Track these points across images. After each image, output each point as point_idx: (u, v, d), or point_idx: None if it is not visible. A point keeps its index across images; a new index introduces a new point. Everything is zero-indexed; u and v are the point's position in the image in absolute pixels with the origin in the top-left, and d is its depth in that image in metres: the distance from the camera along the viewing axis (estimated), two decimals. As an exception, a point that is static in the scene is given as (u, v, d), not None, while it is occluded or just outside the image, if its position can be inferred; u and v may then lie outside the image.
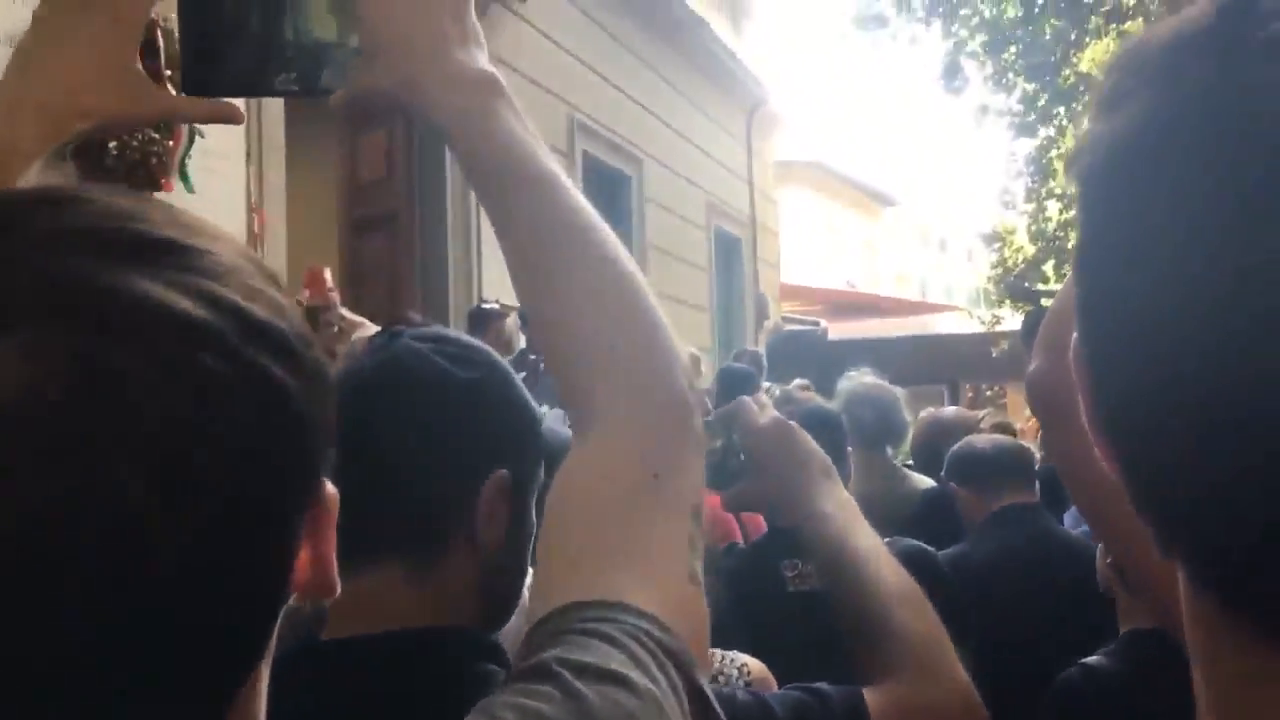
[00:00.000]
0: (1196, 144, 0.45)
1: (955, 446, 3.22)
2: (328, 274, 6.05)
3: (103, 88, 0.90)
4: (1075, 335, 0.52)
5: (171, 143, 4.58)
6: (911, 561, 2.15)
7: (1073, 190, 0.52)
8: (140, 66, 0.91)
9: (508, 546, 1.08)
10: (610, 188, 10.41)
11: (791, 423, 1.43)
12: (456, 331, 1.22)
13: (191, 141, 4.63)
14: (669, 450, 0.79)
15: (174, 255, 0.51)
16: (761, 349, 12.45)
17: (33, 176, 0.88)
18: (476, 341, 1.17)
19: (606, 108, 9.89)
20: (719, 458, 1.44)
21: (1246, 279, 0.42)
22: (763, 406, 1.45)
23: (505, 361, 1.17)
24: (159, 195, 4.66)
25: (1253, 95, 0.44)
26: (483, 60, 0.90)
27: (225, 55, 0.91)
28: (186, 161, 4.67)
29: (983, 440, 3.27)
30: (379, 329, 4.50)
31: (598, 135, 9.74)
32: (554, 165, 0.88)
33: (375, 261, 7.66)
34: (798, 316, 17.02)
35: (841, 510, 1.35)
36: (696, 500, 0.80)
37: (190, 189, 4.74)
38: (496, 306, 6.06)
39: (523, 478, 1.10)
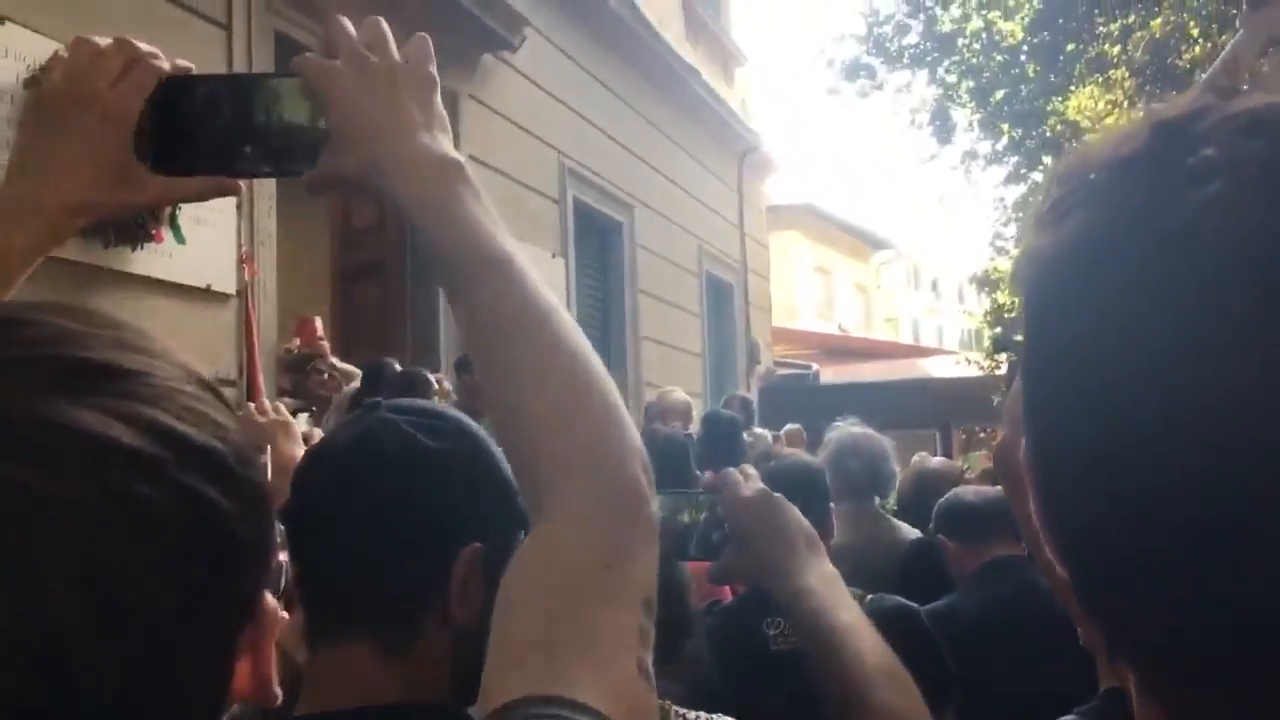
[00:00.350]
0: (1130, 264, 0.46)
1: (943, 499, 3.21)
2: (318, 322, 6.10)
3: (98, 182, 0.92)
4: (1024, 439, 0.53)
5: (162, 194, 4.61)
6: (895, 619, 2.16)
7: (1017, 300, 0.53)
8: (134, 152, 0.93)
9: (482, 620, 1.08)
10: (601, 234, 10.46)
11: (777, 495, 1.42)
12: (436, 404, 1.22)
13: (182, 193, 4.65)
14: (620, 540, 0.78)
15: (111, 380, 0.53)
16: (753, 393, 12.47)
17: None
18: (452, 412, 1.17)
19: (598, 154, 9.96)
20: (702, 529, 1.45)
21: (1176, 399, 0.43)
22: (748, 477, 1.45)
23: (481, 430, 1.17)
24: (151, 245, 4.69)
25: (1184, 219, 0.45)
26: (446, 145, 0.91)
27: (196, 136, 0.93)
28: (177, 212, 4.70)
29: (970, 492, 3.26)
30: (364, 374, 4.47)
31: (589, 182, 9.80)
32: (512, 250, 0.88)
33: (366, 309, 7.68)
34: (790, 361, 17.05)
35: (825, 585, 1.35)
36: (648, 591, 0.79)
37: (180, 239, 4.77)
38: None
39: (498, 549, 1.08)
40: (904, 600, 2.25)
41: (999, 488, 5.32)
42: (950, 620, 2.63)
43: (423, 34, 0.94)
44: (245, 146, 0.93)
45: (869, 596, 2.16)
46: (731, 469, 1.46)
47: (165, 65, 0.93)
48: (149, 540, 0.50)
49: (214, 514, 0.53)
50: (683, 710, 1.59)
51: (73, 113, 0.92)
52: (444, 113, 0.93)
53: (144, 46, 0.93)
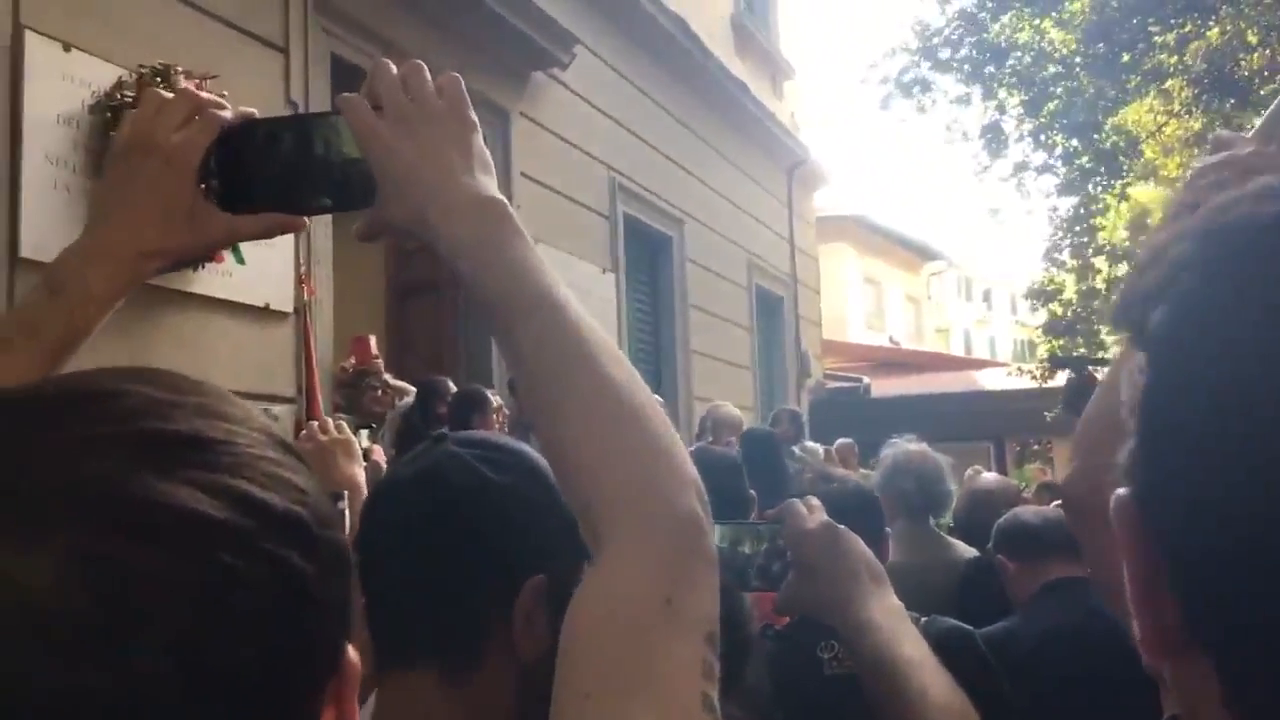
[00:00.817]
0: (1250, 327, 0.47)
1: (1002, 519, 3.18)
2: (373, 341, 6.16)
3: (166, 226, 0.97)
4: (1123, 490, 0.53)
5: (223, 215, 4.69)
6: (952, 643, 2.14)
7: (1125, 335, 0.54)
8: (202, 194, 0.97)
9: (547, 651, 1.09)
10: (652, 248, 10.48)
11: (841, 527, 1.41)
12: (499, 436, 1.24)
13: (242, 214, 4.73)
14: (681, 573, 0.79)
15: (197, 451, 0.56)
16: (804, 407, 12.41)
17: None
18: (517, 445, 1.19)
19: (647, 169, 9.99)
20: (763, 560, 1.45)
21: None
22: (812, 509, 1.45)
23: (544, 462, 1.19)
24: (211, 266, 4.77)
25: None
26: (490, 186, 0.92)
27: (259, 175, 0.96)
28: (237, 233, 4.77)
29: (1030, 512, 3.22)
30: (419, 391, 4.51)
31: (639, 197, 9.83)
32: (559, 289, 0.89)
33: (420, 326, 7.75)
34: (840, 374, 16.96)
35: (889, 618, 1.34)
36: (711, 625, 0.79)
37: (240, 260, 4.85)
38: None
39: (562, 580, 1.09)
40: (959, 623, 2.23)
41: (1057, 505, 5.25)
42: (1008, 644, 2.61)
43: (454, 74, 0.96)
44: (306, 183, 0.96)
45: (923, 619, 2.15)
46: (794, 500, 1.46)
47: (227, 113, 0.97)
48: (235, 607, 0.53)
49: (296, 579, 0.56)
50: (745, 737, 1.59)
51: (139, 161, 0.96)
52: (485, 152, 0.95)
53: (207, 96, 0.97)
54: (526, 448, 1.19)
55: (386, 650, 1.13)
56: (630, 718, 0.71)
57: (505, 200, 0.92)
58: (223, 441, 0.57)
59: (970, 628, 2.23)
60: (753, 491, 3.84)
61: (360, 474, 2.23)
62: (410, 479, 1.14)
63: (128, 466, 0.53)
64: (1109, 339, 14.40)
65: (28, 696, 0.48)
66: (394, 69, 0.94)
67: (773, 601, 1.50)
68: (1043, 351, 15.09)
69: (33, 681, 0.48)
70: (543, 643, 1.06)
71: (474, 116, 0.96)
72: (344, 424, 2.34)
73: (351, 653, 0.63)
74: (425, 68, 0.95)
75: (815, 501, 1.46)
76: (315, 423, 2.38)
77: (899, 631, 1.32)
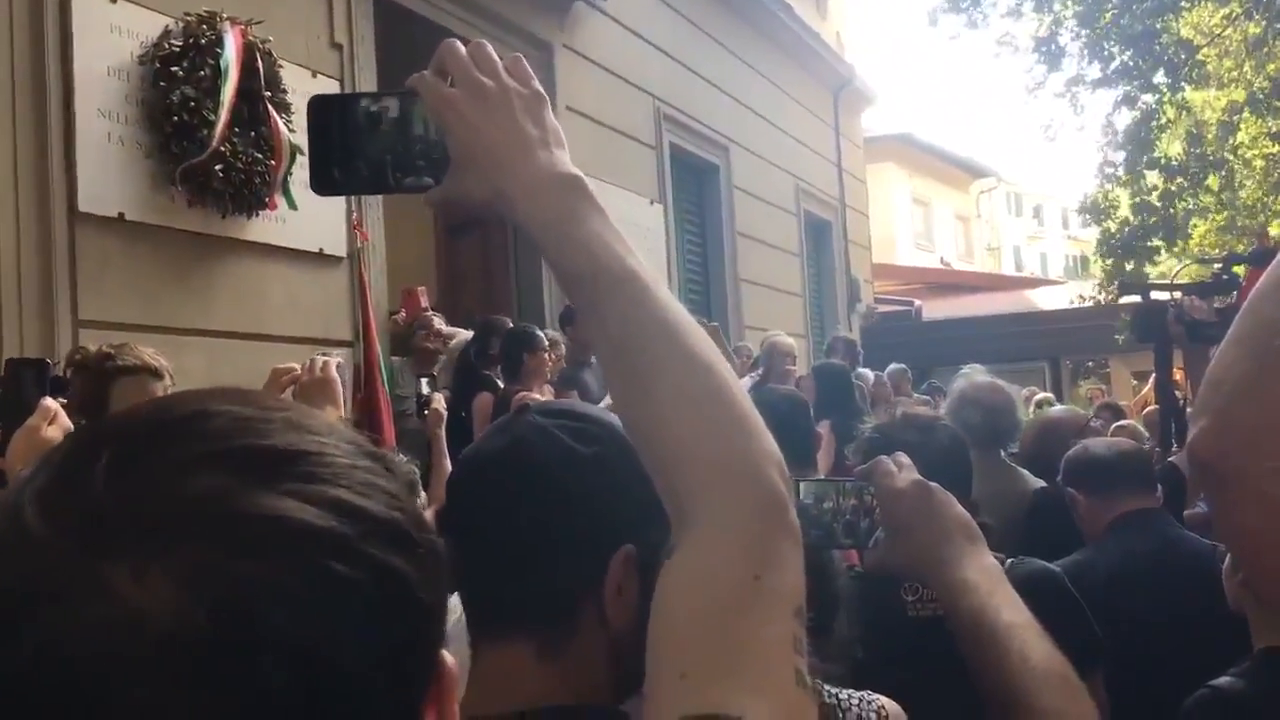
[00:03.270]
0: None
1: (1071, 451, 3.14)
2: (423, 293, 6.17)
3: None
4: None
5: (274, 162, 4.71)
6: (1040, 584, 2.13)
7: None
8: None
9: (638, 622, 1.09)
10: (698, 177, 10.39)
11: (933, 485, 1.38)
12: (583, 405, 1.23)
13: (293, 160, 4.74)
14: (768, 549, 0.80)
15: (295, 464, 0.57)
16: (855, 333, 12.33)
17: None
18: (602, 414, 1.18)
19: (692, 97, 9.86)
20: (851, 517, 1.42)
21: None
22: (901, 466, 1.42)
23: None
24: (264, 213, 4.79)
25: None
26: (565, 161, 0.92)
27: (356, 154, 0.94)
28: (289, 179, 4.79)
29: (1100, 444, 3.17)
30: (472, 334, 4.51)
31: (684, 125, 9.72)
32: (639, 263, 0.89)
33: (470, 264, 7.76)
34: (890, 297, 16.80)
35: (986, 578, 1.31)
36: (798, 600, 0.80)
37: (293, 205, 4.86)
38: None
39: (651, 550, 1.07)
40: (1047, 564, 2.21)
41: (1118, 426, 5.17)
42: (1084, 575, 2.59)
43: (518, 54, 0.96)
44: (404, 161, 0.94)
45: (1009, 560, 2.13)
46: (884, 457, 1.43)
47: None
48: (346, 612, 0.54)
49: (401, 582, 0.57)
50: (834, 689, 1.59)
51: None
52: (558, 126, 0.95)
53: None
54: (610, 417, 1.18)
55: (479, 625, 1.13)
56: (727, 696, 0.71)
57: (581, 175, 0.92)
58: (317, 453, 0.58)
59: (1057, 569, 2.21)
60: (826, 424, 3.82)
61: (334, 415, 2.22)
62: (497, 453, 1.14)
63: (232, 484, 0.54)
64: (1163, 257, 14.13)
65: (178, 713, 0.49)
66: (462, 48, 0.93)
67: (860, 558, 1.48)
68: (1095, 269, 14.80)
69: (157, 710, 0.49)
70: (634, 613, 1.06)
71: (542, 90, 0.95)
72: (329, 363, 2.30)
73: (448, 656, 0.64)
74: (489, 45, 0.94)
75: (904, 459, 1.43)
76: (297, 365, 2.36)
77: (997, 593, 1.29)
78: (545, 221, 0.89)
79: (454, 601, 1.97)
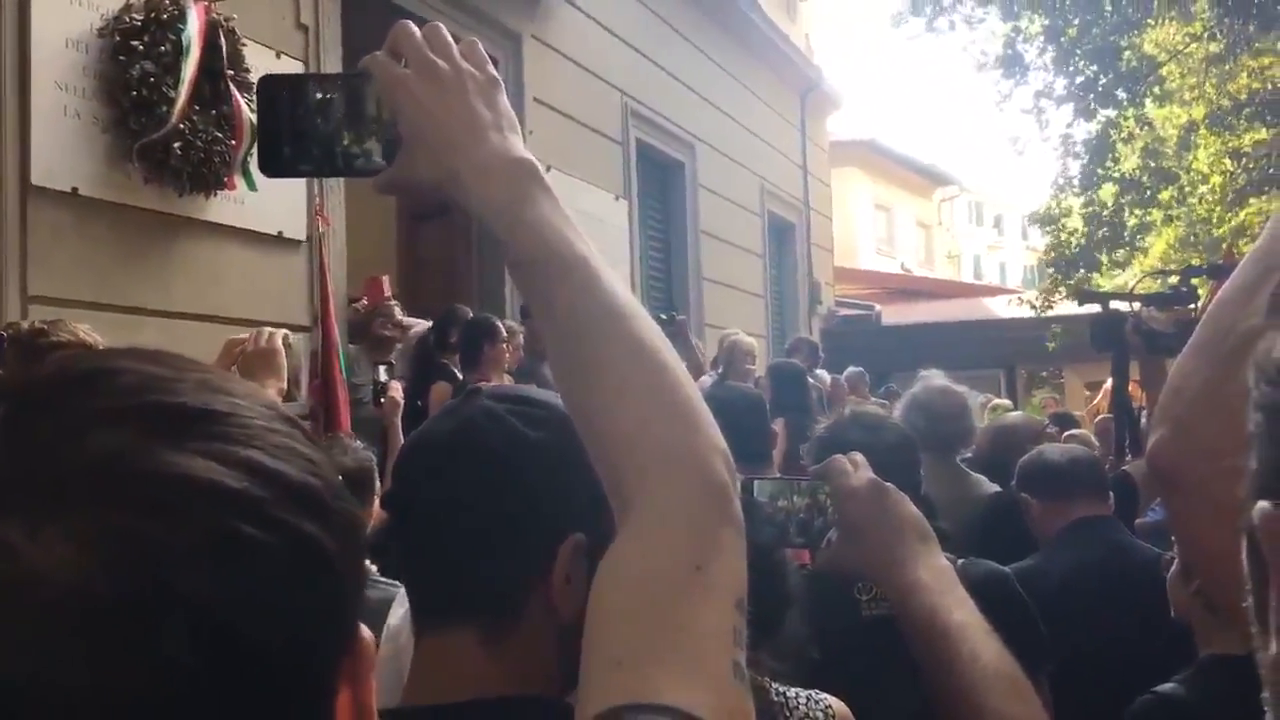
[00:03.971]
0: None
1: (1026, 457, 3.17)
2: (386, 281, 6.12)
3: None
4: (1267, 504, 0.49)
5: (234, 142, 4.64)
6: (990, 587, 2.13)
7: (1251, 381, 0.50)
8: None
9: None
10: (663, 174, 10.38)
11: (888, 485, 1.39)
12: (536, 390, 1.21)
13: (254, 141, 4.67)
14: (710, 540, 0.79)
15: (206, 424, 0.54)
16: (815, 335, 12.39)
17: None
18: (553, 399, 1.16)
19: (659, 93, 9.84)
20: (805, 515, 1.42)
21: None
22: (857, 465, 1.42)
23: None
24: (224, 193, 4.72)
25: None
26: (517, 145, 0.91)
27: (307, 136, 0.92)
28: (249, 160, 4.72)
29: (1054, 450, 3.21)
30: (431, 325, 4.48)
31: (651, 122, 9.70)
32: (589, 249, 0.88)
33: (432, 252, 7.71)
34: (851, 300, 16.89)
35: (937, 579, 1.32)
36: (739, 592, 0.79)
37: (252, 186, 4.79)
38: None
39: (601, 539, 1.09)
40: (997, 565, 2.23)
41: (1069, 435, 5.21)
42: (1035, 580, 2.61)
43: (473, 39, 0.96)
44: (354, 143, 0.92)
45: (960, 561, 2.13)
46: (839, 456, 1.43)
47: None
48: (255, 578, 0.52)
49: (315, 549, 0.55)
50: (782, 688, 1.58)
51: None
52: (511, 111, 0.94)
53: None
54: (560, 402, 1.17)
55: (423, 611, 1.11)
56: (661, 686, 0.71)
57: (535, 160, 0.91)
58: (231, 414, 0.56)
59: (1008, 571, 2.23)
60: (780, 423, 3.84)
61: (274, 391, 2.20)
62: (446, 435, 1.12)
63: (138, 441, 0.52)
64: (1110, 270, 14.35)
65: (43, 697, 0.46)
66: (417, 30, 0.92)
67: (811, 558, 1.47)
68: (1048, 279, 15.00)
69: (50, 679, 0.46)
70: (582, 601, 1.05)
71: (497, 75, 0.95)
72: (275, 334, 2.27)
73: (365, 631, 0.63)
74: (444, 28, 0.93)
75: (859, 457, 1.43)
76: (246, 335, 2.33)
77: (948, 594, 1.30)
78: (496, 204, 0.88)
79: (402, 593, 1.94)
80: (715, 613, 0.76)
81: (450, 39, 0.93)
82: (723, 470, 0.83)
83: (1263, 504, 0.49)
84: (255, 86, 0.94)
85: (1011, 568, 2.60)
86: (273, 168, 0.93)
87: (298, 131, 0.92)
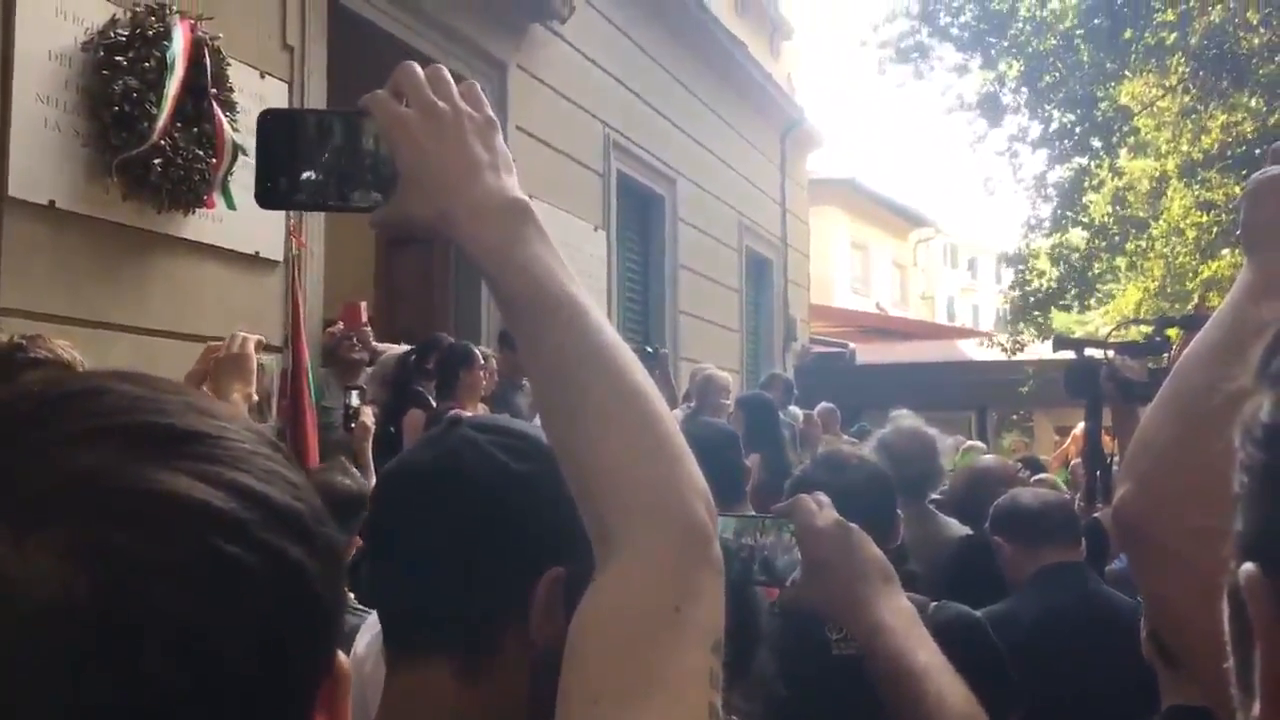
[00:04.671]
0: None
1: (1000, 501, 3.18)
2: (364, 307, 6.10)
3: None
4: (1251, 566, 0.50)
5: (215, 160, 4.62)
6: (960, 630, 2.13)
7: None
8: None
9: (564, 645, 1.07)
10: (643, 206, 10.42)
11: (852, 526, 1.40)
12: (518, 422, 1.20)
13: (234, 159, 4.66)
14: (689, 582, 0.81)
15: (194, 444, 0.55)
16: (789, 371, 12.42)
17: None
18: (534, 431, 1.16)
19: (641, 126, 9.90)
20: (769, 554, 1.42)
21: None
22: (821, 505, 1.43)
23: None
24: (202, 211, 4.69)
25: None
26: (513, 186, 0.93)
27: (304, 170, 0.93)
28: (229, 179, 4.70)
29: (1028, 495, 3.22)
30: (409, 349, 4.46)
31: (633, 154, 9.75)
32: (578, 290, 0.90)
33: (410, 278, 7.70)
34: (825, 338, 16.97)
35: (901, 620, 1.33)
36: (717, 634, 0.80)
37: (231, 205, 4.78)
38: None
39: (581, 574, 1.08)
40: (967, 609, 2.23)
41: (1036, 479, 5.23)
42: (1007, 625, 2.61)
43: (472, 81, 0.98)
44: (351, 179, 0.93)
45: (932, 604, 2.14)
46: (804, 495, 1.44)
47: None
48: (239, 599, 0.52)
49: (298, 573, 0.55)
50: (754, 729, 1.57)
51: None
52: (507, 152, 0.96)
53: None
54: (539, 433, 1.16)
55: (397, 642, 1.10)
56: None
57: (528, 201, 0.93)
58: (216, 436, 0.56)
59: (978, 615, 2.23)
60: (755, 457, 3.84)
61: (240, 395, 2.18)
62: (426, 464, 1.11)
63: (124, 458, 0.52)
64: (1074, 313, 14.51)
65: (19, 709, 0.46)
66: (420, 71, 0.94)
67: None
68: (1009, 316, 15.19)
69: (28, 691, 0.46)
70: (561, 636, 1.04)
71: (494, 116, 0.97)
72: (248, 340, 2.26)
73: (342, 657, 0.63)
74: (445, 69, 0.95)
75: (824, 498, 1.44)
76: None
77: (912, 635, 1.32)
78: (488, 244, 0.89)
79: (372, 619, 1.92)
80: (693, 654, 0.77)
81: (450, 80, 0.95)
82: (703, 512, 0.84)
83: (1248, 566, 0.49)
84: (257, 120, 0.95)
85: (983, 612, 2.60)
86: (268, 199, 0.94)
87: (295, 165, 0.93)
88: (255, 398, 2.26)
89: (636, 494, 0.83)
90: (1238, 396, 0.53)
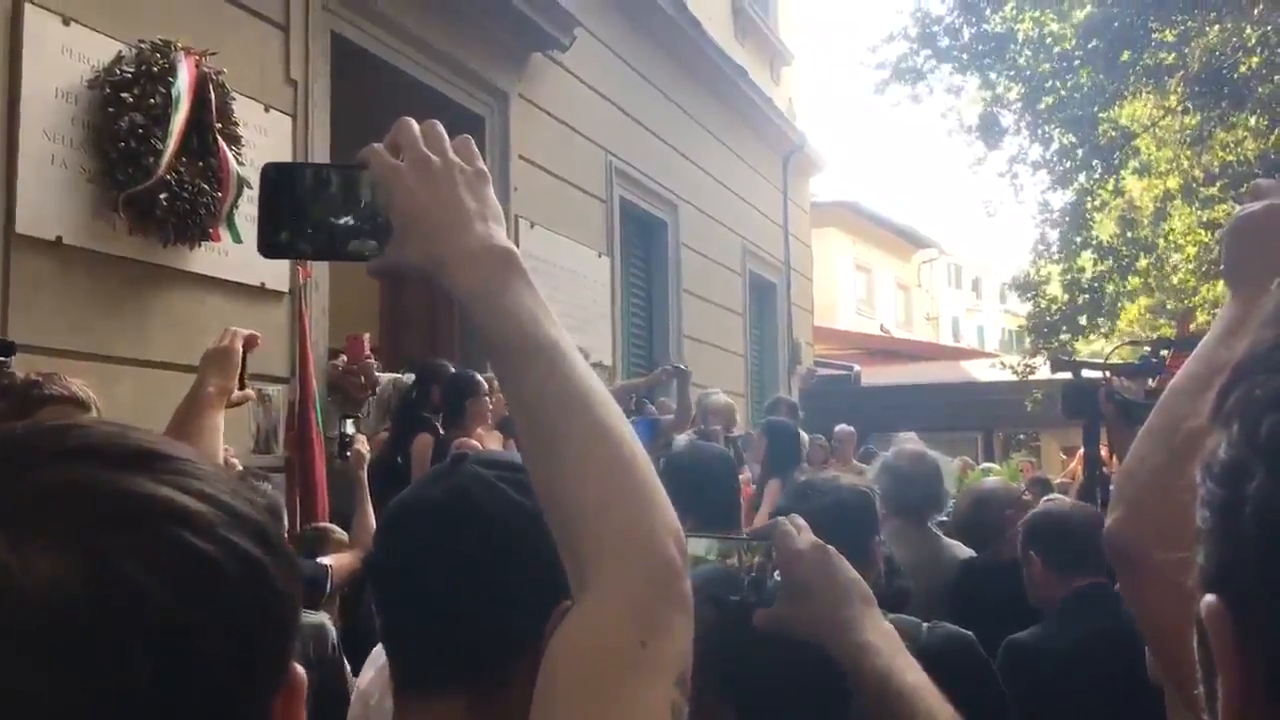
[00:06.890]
0: None
1: (1037, 514, 3.09)
2: (366, 340, 6.13)
3: None
4: (1212, 597, 0.51)
5: (220, 194, 4.66)
6: (954, 650, 2.14)
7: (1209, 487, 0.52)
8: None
9: None
10: (646, 232, 10.46)
11: (830, 549, 1.42)
12: (521, 457, 1.22)
13: (240, 193, 4.70)
14: (657, 619, 0.84)
15: (165, 461, 0.61)
16: (794, 394, 12.42)
17: None
18: None
19: (644, 153, 9.95)
20: (755, 574, 1.44)
21: None
22: (799, 529, 1.45)
23: None
24: (208, 244, 4.73)
25: None
26: (501, 235, 0.97)
27: (304, 220, 0.97)
28: (234, 212, 4.74)
29: (1072, 513, 3.09)
30: (398, 377, 4.45)
31: (635, 180, 9.80)
32: (561, 335, 0.94)
33: (414, 308, 7.72)
34: (830, 360, 16.97)
35: (885, 640, 1.35)
36: (683, 667, 0.84)
37: (237, 238, 4.81)
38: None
39: None
40: (960, 629, 2.23)
41: (1047, 500, 5.23)
42: (1041, 648, 2.60)
43: (466, 135, 1.02)
44: (350, 228, 0.97)
45: (925, 625, 2.14)
46: (782, 519, 1.46)
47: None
48: (214, 591, 0.58)
49: (262, 571, 0.61)
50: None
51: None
52: (497, 203, 1.00)
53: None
54: None
55: (406, 677, 1.11)
56: None
57: (515, 249, 0.97)
58: (189, 460, 0.63)
59: (970, 634, 2.23)
60: (777, 483, 3.84)
61: (214, 389, 2.20)
62: (436, 501, 1.13)
63: (107, 471, 0.58)
64: (1092, 337, 14.44)
65: (13, 705, 0.51)
66: (416, 126, 0.99)
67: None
68: (1027, 344, 15.11)
69: (22, 688, 0.51)
70: None
71: (485, 169, 1.01)
72: (239, 334, 2.26)
73: (298, 669, 0.66)
74: (439, 125, 1.00)
75: (801, 521, 1.47)
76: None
77: (898, 656, 1.34)
78: (475, 289, 0.94)
79: (377, 652, 1.93)
80: (656, 687, 0.81)
81: (444, 134, 0.99)
82: (673, 551, 0.87)
83: (1209, 598, 0.51)
84: (260, 173, 0.99)
85: (1015, 636, 2.60)
86: (271, 249, 0.98)
87: (296, 216, 0.97)
88: (234, 392, 2.26)
89: (609, 533, 0.86)
90: (1199, 434, 0.55)
